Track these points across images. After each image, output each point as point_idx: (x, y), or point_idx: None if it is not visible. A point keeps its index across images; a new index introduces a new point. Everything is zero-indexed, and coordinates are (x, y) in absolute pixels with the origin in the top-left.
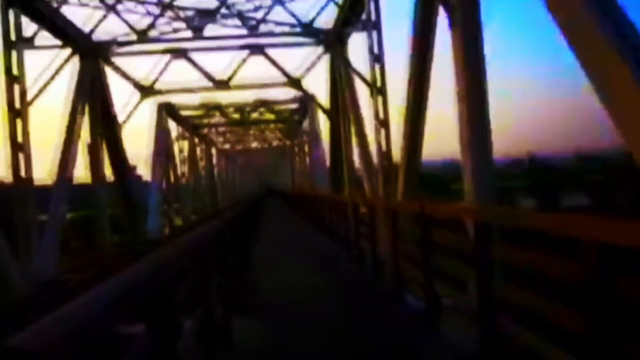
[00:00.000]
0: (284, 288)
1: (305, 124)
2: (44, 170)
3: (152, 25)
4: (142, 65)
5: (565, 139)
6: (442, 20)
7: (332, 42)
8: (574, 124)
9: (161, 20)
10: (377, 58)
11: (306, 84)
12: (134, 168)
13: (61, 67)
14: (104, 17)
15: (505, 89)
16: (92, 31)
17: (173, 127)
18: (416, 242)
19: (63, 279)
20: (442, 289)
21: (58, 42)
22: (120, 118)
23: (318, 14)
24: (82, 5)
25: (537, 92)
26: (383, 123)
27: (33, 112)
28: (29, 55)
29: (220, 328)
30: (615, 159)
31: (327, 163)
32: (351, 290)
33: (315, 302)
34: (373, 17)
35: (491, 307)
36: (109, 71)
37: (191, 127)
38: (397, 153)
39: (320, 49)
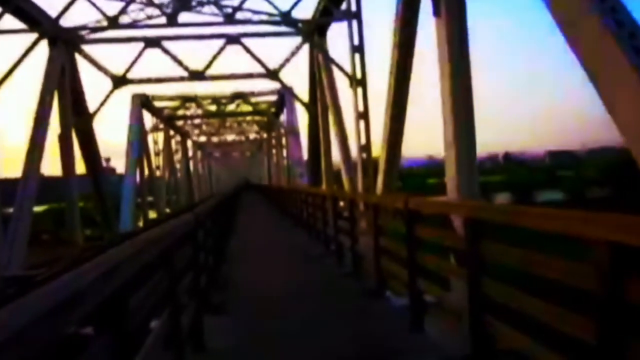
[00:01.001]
0: (259, 285)
1: (283, 116)
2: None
3: (123, 11)
4: (115, 55)
5: (537, 138)
6: (426, 9)
7: (311, 33)
8: (545, 123)
9: (134, 7)
10: (357, 49)
11: (284, 76)
12: (108, 160)
13: (26, 53)
14: (73, 0)
15: (476, 84)
16: (60, 16)
17: (148, 119)
18: (397, 237)
19: (29, 274)
20: (426, 286)
21: (25, 28)
22: (92, 109)
23: (296, 3)
24: None
25: (511, 89)
26: (363, 115)
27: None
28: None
29: (191, 329)
30: (585, 156)
31: (306, 156)
32: (330, 287)
33: (292, 300)
34: (353, 7)
35: (482, 307)
36: (80, 61)
37: (166, 118)
38: (376, 146)
39: (299, 40)
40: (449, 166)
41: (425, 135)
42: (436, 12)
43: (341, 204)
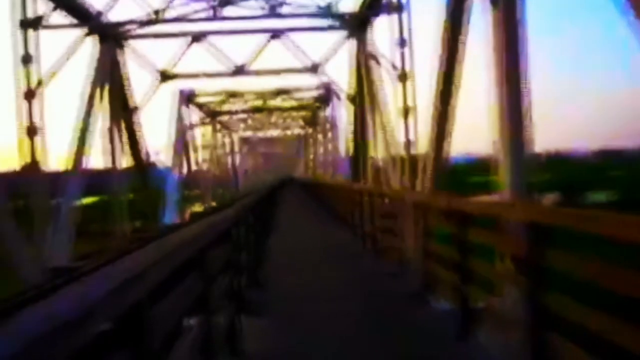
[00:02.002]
0: (299, 284)
1: (327, 111)
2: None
3: (169, 5)
4: (160, 51)
5: (585, 135)
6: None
7: (356, 26)
8: (594, 120)
9: (179, 1)
10: (403, 42)
11: (328, 70)
12: (156, 154)
13: (75, 47)
14: None
15: None
16: (108, 10)
17: (193, 113)
18: (441, 238)
19: (74, 265)
20: (476, 293)
21: (75, 22)
22: (138, 103)
23: None
24: None
25: (557, 84)
26: (408, 111)
27: (53, 95)
28: (49, 37)
29: (227, 332)
30: (637, 154)
31: (349, 152)
32: (372, 288)
33: (334, 302)
34: None
35: (543, 322)
36: (128, 57)
37: (211, 113)
38: (422, 143)
39: (343, 34)
40: (500, 163)
41: (464, 131)
42: (493, 1)
43: (386, 201)
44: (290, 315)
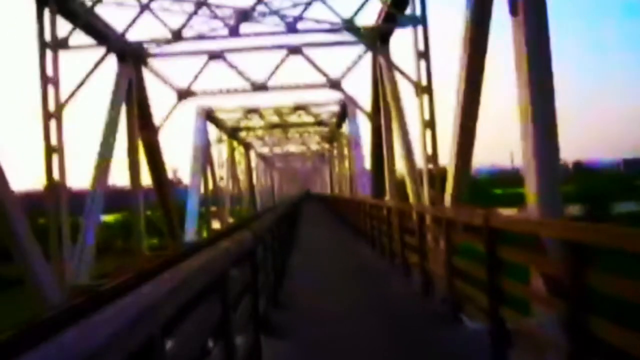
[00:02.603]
0: (322, 305)
1: (345, 127)
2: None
3: (187, 23)
4: (179, 69)
5: (610, 145)
6: (500, 9)
7: (374, 40)
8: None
9: (197, 20)
10: (422, 55)
11: (346, 86)
12: (175, 171)
13: (95, 67)
14: (139, 15)
15: None
16: (126, 30)
17: (212, 130)
18: (467, 254)
19: (95, 284)
20: (509, 314)
21: (94, 43)
22: (157, 121)
23: (360, 9)
24: (117, 4)
25: (581, 92)
26: (429, 124)
27: (73, 115)
28: (70, 58)
29: (247, 357)
30: None
31: (368, 167)
32: (398, 308)
33: (358, 323)
34: (418, 11)
35: (588, 349)
36: (146, 75)
37: (230, 130)
38: (443, 157)
39: (361, 48)
40: (528, 178)
41: (488, 143)
42: (513, 11)
43: (412, 216)
44: (315, 338)
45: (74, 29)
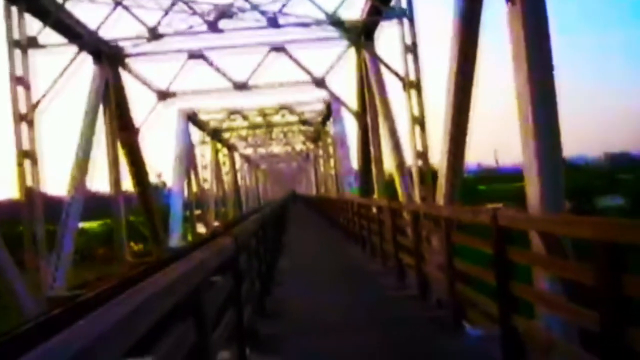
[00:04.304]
0: (312, 313)
1: (331, 126)
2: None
3: (163, 19)
4: (159, 69)
5: (593, 140)
6: None
7: (359, 34)
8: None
9: (175, 18)
10: (410, 49)
11: (331, 84)
12: (159, 175)
13: (68, 67)
14: (112, 11)
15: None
16: (99, 27)
17: (195, 133)
18: (465, 255)
19: (71, 294)
20: (521, 322)
21: (66, 42)
22: (138, 123)
23: (343, 1)
24: (90, 0)
25: (565, 89)
26: (418, 120)
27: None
28: (47, 59)
29: None
30: None
31: (355, 166)
32: (394, 313)
33: (351, 333)
34: (404, 3)
35: None
36: (125, 76)
37: (213, 132)
38: (432, 154)
39: (346, 44)
40: (530, 175)
41: (474, 142)
42: None
43: (404, 216)
44: (306, 351)
45: (44, 27)
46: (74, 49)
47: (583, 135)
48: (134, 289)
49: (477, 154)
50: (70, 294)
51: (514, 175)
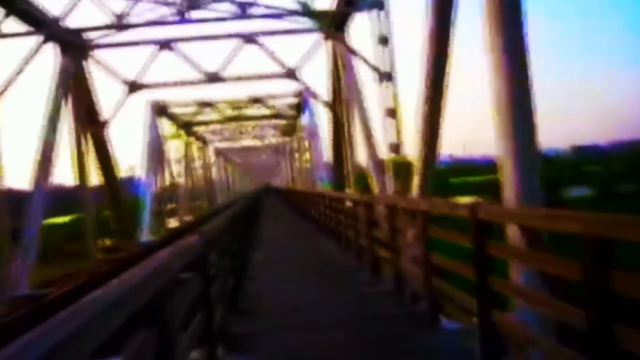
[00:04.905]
0: (286, 309)
1: (304, 119)
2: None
3: (132, 7)
4: (129, 61)
5: (560, 132)
6: None
7: (332, 25)
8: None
9: (144, 7)
10: (383, 40)
11: (305, 75)
12: (132, 168)
13: (31, 56)
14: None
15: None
16: (65, 15)
17: (165, 125)
18: (437, 247)
19: (38, 293)
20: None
21: (30, 30)
22: (108, 116)
23: None
24: None
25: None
26: (392, 112)
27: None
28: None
29: None
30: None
31: (329, 159)
32: (370, 310)
33: (327, 330)
34: None
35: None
36: (93, 68)
37: (184, 125)
38: (406, 146)
39: (319, 36)
40: (504, 165)
41: (446, 133)
42: None
43: (378, 209)
44: (280, 349)
45: (7, 15)
46: (39, 38)
47: (552, 128)
48: (79, 303)
49: (448, 145)
50: (35, 293)
51: (485, 167)
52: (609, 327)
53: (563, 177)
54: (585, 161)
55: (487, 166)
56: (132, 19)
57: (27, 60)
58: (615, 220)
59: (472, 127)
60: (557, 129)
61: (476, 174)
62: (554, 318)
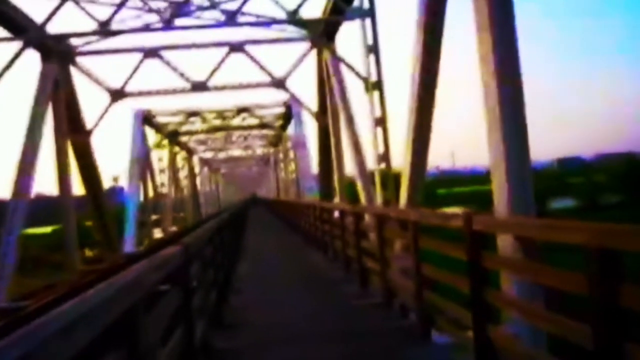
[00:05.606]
0: (272, 324)
1: (291, 129)
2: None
3: (116, 13)
4: (112, 69)
5: (544, 144)
6: None
7: (320, 34)
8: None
9: (130, 14)
10: (371, 49)
11: (292, 86)
12: (117, 179)
13: (11, 63)
14: (62, 3)
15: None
16: (47, 20)
17: (151, 135)
18: (427, 256)
19: (15, 306)
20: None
21: (9, 36)
22: (91, 124)
23: (303, 2)
24: None
25: None
26: (380, 122)
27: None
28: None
29: None
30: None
31: (316, 169)
32: (359, 323)
33: (317, 345)
34: (366, 4)
35: None
36: (76, 75)
37: (170, 134)
38: (394, 156)
39: (306, 45)
40: (496, 176)
41: (432, 146)
42: None
43: (366, 219)
44: None
45: None
46: (19, 44)
47: (536, 140)
48: (33, 324)
49: (434, 157)
50: (13, 305)
51: (472, 177)
52: (620, 346)
53: (547, 188)
54: (569, 173)
55: (472, 177)
56: (116, 26)
57: (8, 67)
58: (624, 231)
59: (458, 139)
60: (540, 142)
61: (463, 184)
62: (555, 334)
